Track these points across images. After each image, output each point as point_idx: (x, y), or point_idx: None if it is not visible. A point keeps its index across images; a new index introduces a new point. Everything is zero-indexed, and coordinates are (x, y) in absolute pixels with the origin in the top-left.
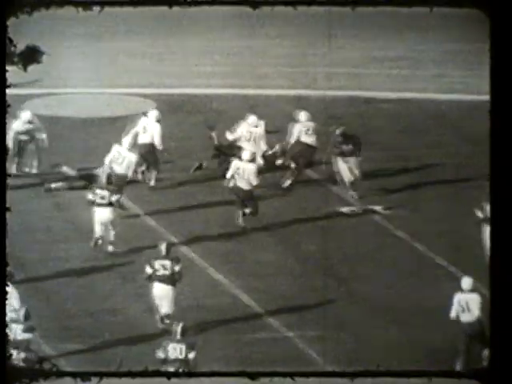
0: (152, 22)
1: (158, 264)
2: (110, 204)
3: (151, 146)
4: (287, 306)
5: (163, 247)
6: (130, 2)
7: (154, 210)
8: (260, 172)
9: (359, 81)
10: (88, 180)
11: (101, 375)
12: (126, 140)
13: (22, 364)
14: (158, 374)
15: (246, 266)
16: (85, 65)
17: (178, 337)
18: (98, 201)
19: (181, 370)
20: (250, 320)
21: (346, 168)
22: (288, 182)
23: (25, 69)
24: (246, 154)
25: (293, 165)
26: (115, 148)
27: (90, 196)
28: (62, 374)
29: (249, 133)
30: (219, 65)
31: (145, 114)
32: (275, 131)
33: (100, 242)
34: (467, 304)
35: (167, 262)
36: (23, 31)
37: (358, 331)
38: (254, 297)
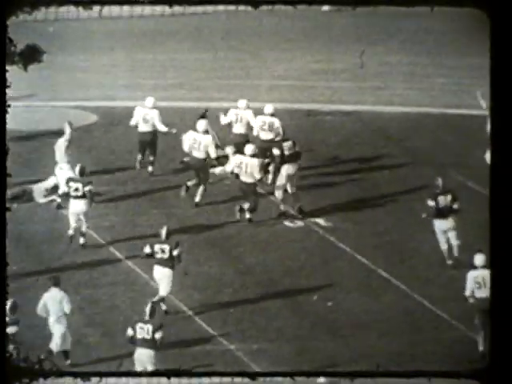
0: (93, 35)
1: (157, 247)
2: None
3: (153, 133)
4: (228, 318)
5: (163, 232)
6: (129, 1)
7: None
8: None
9: (300, 93)
10: (23, 195)
11: (101, 375)
12: (201, 124)
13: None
14: (157, 374)
15: (188, 279)
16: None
17: (147, 317)
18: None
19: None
20: (193, 333)
21: (280, 178)
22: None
23: (25, 68)
24: (248, 149)
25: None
26: (190, 135)
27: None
28: (61, 374)
29: (236, 115)
30: (162, 78)
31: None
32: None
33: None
34: (484, 280)
35: (166, 246)
36: (23, 31)
37: (300, 344)
38: (196, 310)
